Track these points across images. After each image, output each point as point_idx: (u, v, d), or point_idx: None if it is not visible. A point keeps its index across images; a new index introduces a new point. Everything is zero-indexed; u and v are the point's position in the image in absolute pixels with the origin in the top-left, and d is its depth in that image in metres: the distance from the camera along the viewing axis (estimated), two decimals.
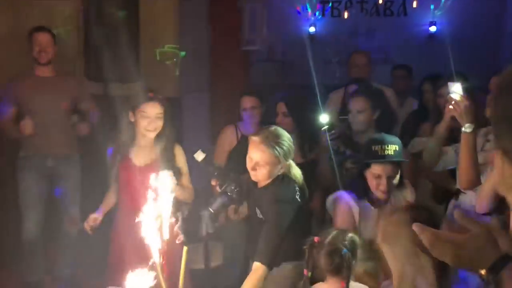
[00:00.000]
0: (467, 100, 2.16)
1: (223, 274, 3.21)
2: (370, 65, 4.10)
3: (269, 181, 2.29)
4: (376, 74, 4.55)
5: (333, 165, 2.73)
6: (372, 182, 2.30)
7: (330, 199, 2.47)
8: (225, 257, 3.34)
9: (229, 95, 5.47)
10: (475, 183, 2.22)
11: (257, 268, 2.12)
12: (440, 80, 3.49)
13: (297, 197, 2.26)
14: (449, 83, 2.25)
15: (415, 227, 0.95)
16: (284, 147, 2.21)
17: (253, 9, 5.89)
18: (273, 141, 2.20)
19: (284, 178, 2.29)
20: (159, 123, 2.56)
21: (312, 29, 6.76)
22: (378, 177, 2.26)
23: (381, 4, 6.46)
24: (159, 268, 1.55)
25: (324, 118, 2.69)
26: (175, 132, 2.69)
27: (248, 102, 3.23)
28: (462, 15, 6.32)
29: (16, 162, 3.40)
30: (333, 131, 2.68)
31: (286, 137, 2.26)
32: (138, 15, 3.82)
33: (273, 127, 2.32)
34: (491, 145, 2.35)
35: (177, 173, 2.61)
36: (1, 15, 3.85)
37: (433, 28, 6.52)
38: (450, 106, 2.20)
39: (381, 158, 2.26)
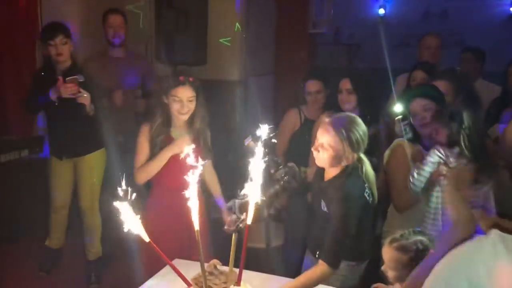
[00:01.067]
0: None
1: (283, 255, 3.26)
2: (441, 48, 3.91)
3: (336, 173, 2.20)
4: (449, 58, 4.35)
5: None
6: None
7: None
8: (285, 238, 3.39)
9: (294, 78, 5.47)
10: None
11: (321, 266, 2.06)
12: None
13: (366, 194, 2.15)
14: None
15: None
16: (354, 136, 2.11)
17: None
18: (344, 126, 2.11)
19: (353, 172, 2.18)
20: (191, 106, 2.58)
21: (381, 11, 6.56)
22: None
23: None
24: (198, 237, 1.66)
25: (398, 108, 2.61)
26: (208, 114, 2.69)
27: (312, 86, 3.21)
28: None
29: None
30: (406, 121, 2.58)
31: (361, 128, 2.14)
32: (206, 1, 3.89)
33: (352, 115, 2.22)
34: None
35: (207, 153, 2.67)
36: None
37: None
38: None
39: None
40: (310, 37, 6.01)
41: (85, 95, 3.06)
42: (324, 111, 3.05)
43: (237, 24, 4.36)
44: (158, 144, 2.60)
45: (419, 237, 1.95)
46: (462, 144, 2.13)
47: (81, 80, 3.05)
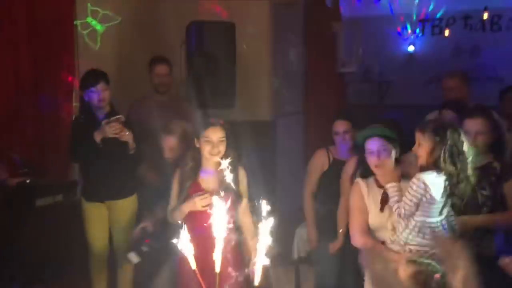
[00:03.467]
0: None
1: None
2: (466, 85, 3.82)
3: None
4: (484, 94, 4.27)
5: None
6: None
7: None
8: (316, 284, 3.31)
9: (324, 117, 5.47)
10: None
11: None
12: None
13: None
14: None
15: None
16: None
17: (349, 32, 5.87)
18: None
19: None
20: (222, 147, 2.64)
21: (411, 48, 6.54)
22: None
23: (487, 19, 6.07)
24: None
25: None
26: (238, 155, 2.72)
27: (340, 126, 3.20)
28: None
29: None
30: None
31: None
32: (235, 43, 4.00)
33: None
34: None
35: (239, 196, 2.66)
36: (125, 41, 4.26)
37: None
38: None
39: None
40: (339, 76, 6.05)
41: (127, 133, 3.20)
42: (353, 151, 3.03)
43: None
44: (185, 190, 2.65)
45: None
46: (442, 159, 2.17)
47: (124, 120, 3.20)
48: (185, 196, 2.65)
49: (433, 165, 2.18)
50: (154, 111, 3.66)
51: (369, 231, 2.47)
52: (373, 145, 2.43)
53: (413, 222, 2.23)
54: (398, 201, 2.25)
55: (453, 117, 3.14)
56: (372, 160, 2.43)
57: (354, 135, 3.19)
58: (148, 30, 4.49)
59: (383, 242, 2.39)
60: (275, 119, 4.69)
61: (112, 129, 3.14)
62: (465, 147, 2.23)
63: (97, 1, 4.17)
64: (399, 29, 6.51)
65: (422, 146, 2.22)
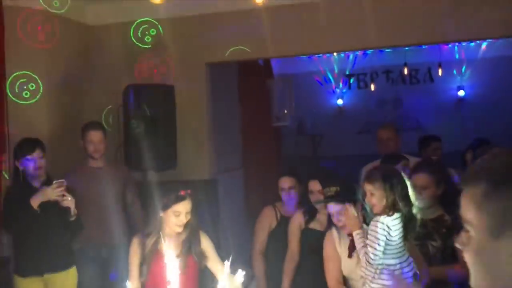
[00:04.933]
0: None
1: None
2: (398, 136, 4.05)
3: None
4: (407, 144, 4.55)
5: None
6: None
7: None
8: None
9: (263, 171, 5.58)
10: None
11: None
12: (479, 149, 3.47)
13: None
14: None
15: None
16: None
17: (281, 88, 6.13)
18: None
19: None
20: (189, 218, 2.61)
21: (339, 102, 6.93)
22: None
23: (406, 73, 6.61)
24: None
25: None
26: (197, 219, 2.71)
27: (286, 182, 3.26)
28: (488, 76, 6.39)
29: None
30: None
31: None
32: (174, 105, 4.03)
33: None
34: None
35: (203, 258, 2.64)
36: (56, 110, 4.13)
37: (461, 93, 6.59)
38: None
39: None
40: (275, 130, 6.24)
41: (69, 198, 3.06)
42: (300, 207, 3.10)
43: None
44: (148, 260, 2.58)
45: None
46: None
47: (66, 185, 3.07)
48: (147, 268, 2.58)
49: (388, 210, 2.28)
50: (90, 178, 3.58)
51: (343, 280, 2.52)
52: (331, 208, 2.57)
53: (375, 266, 2.30)
54: (364, 247, 2.33)
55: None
56: (335, 221, 2.57)
57: (299, 190, 3.28)
58: (81, 96, 4.43)
59: None
60: (216, 177, 4.71)
61: (56, 192, 3.01)
62: (410, 189, 2.35)
63: (27, 66, 4.06)
64: (318, 78, 6.90)
65: (374, 195, 2.32)
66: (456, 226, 2.68)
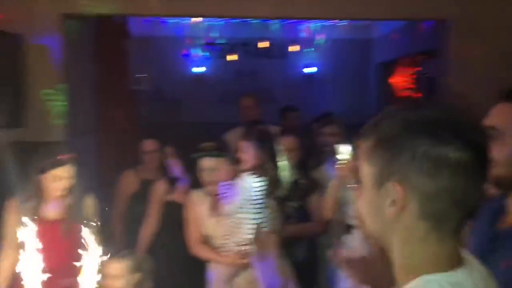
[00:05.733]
0: (354, 161, 2.44)
1: None
2: (258, 105, 4.29)
3: None
4: (262, 115, 4.80)
5: None
6: None
7: None
8: None
9: (119, 135, 5.38)
10: None
11: None
12: (321, 120, 3.83)
13: None
14: (336, 146, 2.56)
15: None
16: None
17: (139, 50, 5.93)
18: None
19: None
20: (72, 182, 2.49)
21: (199, 69, 6.97)
22: None
23: (262, 48, 6.90)
24: None
25: None
26: (83, 184, 2.60)
27: (149, 145, 3.24)
28: (339, 56, 7.01)
29: None
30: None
31: None
32: (21, 57, 3.64)
33: None
34: None
35: (89, 225, 2.55)
36: None
37: (311, 69, 7.13)
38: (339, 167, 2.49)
39: None
40: (132, 94, 6.02)
41: None
42: (161, 171, 3.11)
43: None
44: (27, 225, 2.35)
45: None
46: None
47: None
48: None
49: (256, 169, 2.43)
50: None
51: (204, 240, 2.59)
52: (206, 163, 2.61)
53: (237, 220, 2.44)
54: (227, 197, 2.44)
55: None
56: (206, 177, 2.61)
57: (161, 154, 3.28)
58: None
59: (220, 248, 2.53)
60: (69, 139, 4.42)
61: None
62: (279, 153, 2.54)
63: None
64: (185, 51, 6.87)
65: (247, 153, 2.44)
66: (310, 189, 3.00)
